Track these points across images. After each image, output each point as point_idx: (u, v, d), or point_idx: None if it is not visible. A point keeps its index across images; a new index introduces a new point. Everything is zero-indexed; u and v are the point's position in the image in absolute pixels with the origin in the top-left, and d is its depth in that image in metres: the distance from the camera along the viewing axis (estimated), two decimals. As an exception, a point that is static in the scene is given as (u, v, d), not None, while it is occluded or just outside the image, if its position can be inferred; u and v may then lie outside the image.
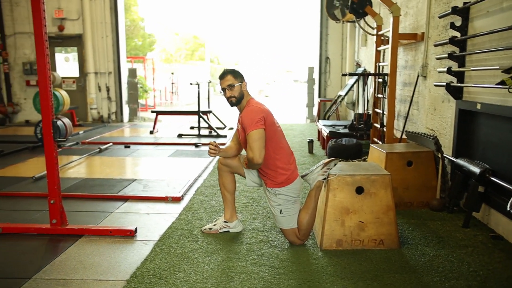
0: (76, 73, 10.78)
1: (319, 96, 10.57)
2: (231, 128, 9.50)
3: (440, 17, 4.19)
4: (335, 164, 3.15)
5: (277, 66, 41.36)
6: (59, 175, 3.39)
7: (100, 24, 10.36)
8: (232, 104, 3.18)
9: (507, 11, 3.18)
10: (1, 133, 9.14)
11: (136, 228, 3.41)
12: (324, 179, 3.11)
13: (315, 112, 10.65)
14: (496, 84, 3.01)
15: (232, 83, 3.13)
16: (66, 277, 2.68)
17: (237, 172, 3.34)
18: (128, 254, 3.02)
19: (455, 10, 3.82)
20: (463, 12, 3.78)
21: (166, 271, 2.74)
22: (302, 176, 3.18)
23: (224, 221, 3.40)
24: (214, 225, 3.42)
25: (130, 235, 3.35)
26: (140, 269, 2.78)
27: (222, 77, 3.18)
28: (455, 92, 3.91)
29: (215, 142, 3.19)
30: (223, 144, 3.43)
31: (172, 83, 16.28)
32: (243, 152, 3.25)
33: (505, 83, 2.75)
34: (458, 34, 3.88)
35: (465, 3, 3.76)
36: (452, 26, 3.87)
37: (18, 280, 2.63)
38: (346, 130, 6.50)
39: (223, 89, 3.17)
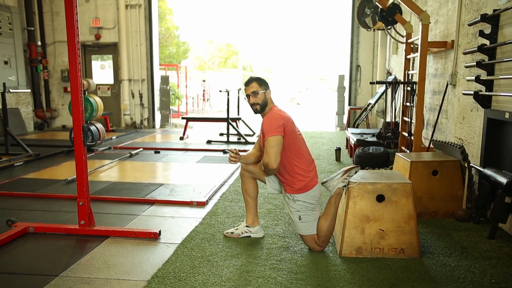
0: (111, 80, 11.16)
1: (349, 104, 10.51)
2: (260, 135, 9.55)
3: (469, 25, 4.12)
4: (355, 172, 3.15)
5: (311, 74, 41.23)
6: (88, 178, 3.52)
7: (135, 33, 10.70)
8: (255, 111, 3.24)
9: (536, 18, 3.10)
10: (39, 137, 9.55)
11: (160, 231, 3.51)
12: (345, 186, 3.11)
13: (345, 120, 10.58)
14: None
15: (257, 90, 3.18)
16: (91, 276, 2.79)
17: (258, 178, 3.39)
18: (151, 256, 3.11)
19: (484, 18, 3.75)
20: (493, 20, 3.71)
21: (186, 273, 2.81)
22: (323, 183, 3.19)
23: (246, 226, 3.45)
24: (236, 229, 3.47)
25: (154, 237, 3.45)
26: (161, 270, 2.86)
27: (247, 84, 3.25)
28: (483, 101, 3.83)
29: (235, 149, 3.25)
30: (246, 151, 3.49)
31: (204, 90, 16.52)
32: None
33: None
34: (487, 42, 3.80)
35: (494, 10, 3.69)
36: (481, 33, 3.80)
37: (46, 277, 2.76)
38: (374, 139, 6.44)
39: (247, 96, 3.23)
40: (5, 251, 3.21)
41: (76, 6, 3.32)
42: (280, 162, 3.08)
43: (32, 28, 10.40)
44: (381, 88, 8.12)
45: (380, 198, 3.06)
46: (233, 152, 3.20)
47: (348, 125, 10.10)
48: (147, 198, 4.54)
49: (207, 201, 4.44)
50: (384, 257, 3.04)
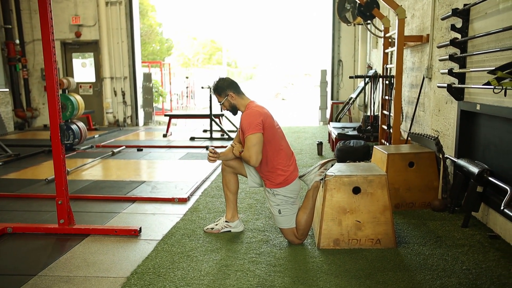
0: (92, 78, 11.06)
1: (332, 99, 10.59)
2: (243, 131, 9.58)
3: (442, 19, 4.20)
4: (332, 165, 3.21)
5: (295, 70, 41.36)
6: (66, 177, 3.52)
7: (116, 30, 10.61)
8: (233, 114, 3.34)
9: (503, 12, 3.19)
10: (19, 137, 9.43)
11: (140, 228, 3.52)
12: (321, 179, 3.17)
13: (328, 115, 10.67)
14: (483, 85, 3.03)
15: (219, 100, 3.28)
16: (70, 274, 2.80)
17: (239, 173, 3.42)
18: (131, 253, 3.13)
19: (455, 12, 3.83)
20: (464, 14, 3.79)
21: (166, 269, 2.83)
22: (300, 177, 3.24)
23: (226, 221, 3.48)
24: (216, 225, 3.50)
25: (134, 234, 3.47)
26: (140, 266, 2.88)
27: (214, 95, 3.32)
28: (456, 93, 3.91)
29: (213, 148, 3.28)
30: (224, 147, 3.52)
31: (187, 87, 16.47)
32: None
33: (490, 83, 2.77)
34: (459, 36, 3.89)
35: (465, 5, 3.78)
36: (453, 27, 3.88)
37: (24, 277, 2.76)
38: (355, 132, 6.52)
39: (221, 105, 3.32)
40: (-17, 252, 3.20)
41: (49, 4, 3.30)
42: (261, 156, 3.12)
43: (10, 26, 10.24)
44: (362, 82, 8.22)
45: (356, 190, 3.12)
46: (211, 152, 3.23)
47: (331, 120, 10.19)
48: (128, 196, 4.54)
49: (188, 197, 4.46)
50: (361, 248, 3.11)
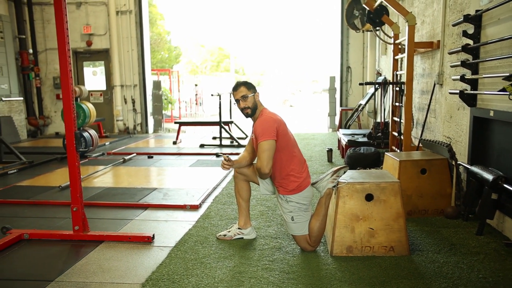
0: (103, 87, 11.17)
1: (341, 105, 10.59)
2: (253, 138, 9.60)
3: (453, 25, 4.20)
4: (344, 172, 3.21)
5: (303, 76, 41.38)
6: (81, 184, 3.56)
7: (126, 39, 10.73)
8: (247, 115, 3.29)
9: (516, 18, 3.19)
10: (32, 145, 9.54)
11: (153, 235, 3.55)
12: (334, 186, 3.17)
13: (337, 121, 10.66)
14: (498, 91, 3.02)
15: (246, 94, 3.23)
16: (86, 280, 2.83)
17: (252, 180, 3.44)
18: (145, 259, 3.15)
19: (467, 18, 3.83)
20: (475, 20, 3.79)
21: (180, 275, 2.85)
22: (312, 184, 3.24)
23: (238, 228, 3.50)
24: (229, 231, 3.52)
25: (148, 241, 3.49)
26: (155, 273, 2.90)
27: (235, 89, 3.29)
28: (468, 99, 3.91)
29: (228, 156, 3.29)
30: (238, 154, 3.54)
31: (196, 95, 16.57)
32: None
33: (506, 90, 2.76)
34: (471, 42, 3.89)
35: (477, 10, 3.78)
36: (465, 34, 3.89)
37: (41, 283, 2.80)
38: (365, 139, 6.51)
39: (237, 101, 3.28)
40: (0, 257, 3.24)
41: (66, 14, 3.36)
42: (273, 165, 3.14)
43: (24, 36, 10.41)
44: (371, 89, 8.21)
45: (369, 197, 3.12)
46: (225, 160, 3.24)
47: (340, 126, 10.18)
48: (140, 203, 4.57)
49: (200, 204, 4.48)
50: (374, 255, 3.10)
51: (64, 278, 2.86)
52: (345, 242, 3.12)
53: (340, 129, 7.81)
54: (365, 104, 8.16)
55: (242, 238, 3.49)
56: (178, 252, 3.25)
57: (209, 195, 4.87)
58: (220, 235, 3.52)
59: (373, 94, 7.95)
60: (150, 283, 2.76)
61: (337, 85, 10.63)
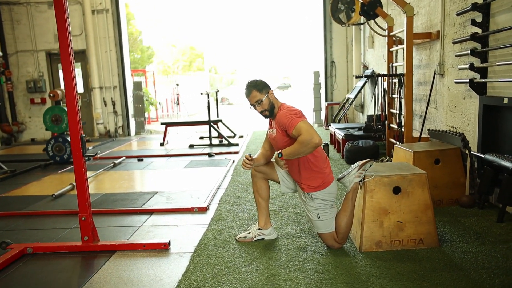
0: (81, 89, 10.77)
1: (326, 100, 10.57)
2: (241, 136, 9.47)
3: (458, 14, 4.19)
4: (370, 165, 3.13)
5: (274, 74, 41.46)
6: (89, 191, 3.34)
7: (104, 39, 10.37)
8: (266, 117, 3.15)
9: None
10: (7, 152, 9.10)
11: (169, 241, 3.38)
12: (361, 181, 3.08)
13: (322, 116, 10.65)
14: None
15: (259, 98, 3.07)
16: (110, 294, 2.64)
17: (271, 178, 3.31)
18: (167, 267, 2.98)
19: (475, 7, 3.82)
20: (484, 8, 3.78)
21: (210, 282, 2.70)
22: (339, 179, 3.15)
23: (259, 229, 3.37)
24: (249, 233, 3.38)
25: (164, 248, 3.31)
26: (182, 282, 2.74)
27: (247, 94, 3.12)
28: (478, 88, 3.90)
29: (250, 155, 3.13)
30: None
31: (177, 94, 16.30)
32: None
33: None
34: (479, 30, 3.88)
35: (484, -1, 3.77)
36: (473, 22, 3.87)
37: (61, 299, 2.59)
38: (361, 132, 6.49)
39: (253, 105, 3.13)
40: (5, 276, 2.99)
41: (67, 10, 3.14)
42: (295, 161, 3.02)
43: (-8, 38, 9.92)
44: (359, 82, 8.21)
45: (396, 190, 3.05)
46: (248, 159, 3.08)
47: (327, 121, 10.16)
48: (144, 208, 4.37)
49: (208, 206, 4.32)
50: (404, 249, 3.04)
51: (85, 293, 2.67)
52: (374, 237, 3.04)
53: (332, 124, 7.76)
54: (354, 98, 8.15)
55: (263, 239, 3.36)
56: (200, 258, 3.09)
57: (213, 196, 4.71)
58: (240, 237, 3.38)
59: (362, 87, 7.96)
60: (181, 292, 2.60)
61: (322, 80, 10.60)
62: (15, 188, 5.58)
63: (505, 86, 3.59)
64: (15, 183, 5.87)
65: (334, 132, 7.06)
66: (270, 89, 3.14)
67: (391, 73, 5.90)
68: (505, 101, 3.53)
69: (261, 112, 3.12)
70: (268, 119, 3.23)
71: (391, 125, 5.89)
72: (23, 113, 10.86)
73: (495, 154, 3.62)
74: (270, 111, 3.10)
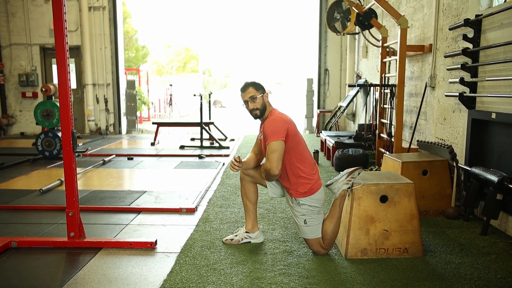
0: (73, 85, 10.71)
1: (319, 108, 10.63)
2: (232, 140, 9.49)
3: (450, 29, 4.27)
4: (358, 173, 3.17)
5: (269, 78, 41.54)
6: (77, 187, 3.33)
7: (99, 36, 10.35)
8: (256, 117, 3.18)
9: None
10: (-3, 145, 9.01)
11: (156, 240, 3.38)
12: (349, 188, 3.12)
13: (313, 123, 10.70)
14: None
15: (254, 95, 3.12)
16: (94, 290, 2.64)
17: (259, 182, 3.34)
18: (152, 267, 2.98)
19: (467, 22, 3.89)
20: (475, 24, 3.86)
21: (195, 283, 2.71)
22: (327, 185, 3.18)
23: (246, 232, 3.38)
24: (236, 235, 3.39)
25: (150, 247, 3.31)
26: (167, 281, 2.74)
27: (243, 89, 3.17)
28: (468, 102, 3.96)
29: (239, 157, 3.17)
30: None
31: (170, 95, 16.27)
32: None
33: None
34: (470, 46, 3.95)
35: (477, 15, 3.84)
36: (465, 37, 3.94)
37: (45, 294, 2.58)
38: (351, 141, 6.54)
39: (245, 102, 3.16)
40: (-11, 269, 2.98)
41: (64, 5, 3.15)
42: (283, 166, 3.05)
43: (-14, 30, 9.84)
44: (351, 91, 8.28)
45: (383, 199, 3.09)
46: (236, 161, 3.11)
47: (318, 128, 10.22)
48: (133, 207, 4.36)
49: (196, 207, 4.33)
50: (389, 257, 3.07)
51: (69, 289, 2.66)
52: (360, 244, 3.07)
53: (323, 131, 7.81)
54: (346, 106, 8.22)
55: (250, 242, 3.38)
56: (186, 258, 3.10)
57: (202, 197, 4.72)
58: (227, 239, 3.40)
59: (354, 96, 8.03)
60: (165, 292, 2.60)
61: (315, 87, 10.66)
62: (2, 182, 5.54)
63: (493, 101, 3.66)
64: (2, 177, 5.82)
65: (325, 140, 7.11)
66: (266, 92, 3.19)
67: (383, 83, 5.96)
68: (493, 116, 3.60)
69: (252, 111, 3.14)
70: (259, 124, 3.26)
71: (381, 134, 5.95)
72: (13, 107, 10.78)
73: (481, 168, 3.68)
74: (261, 112, 3.14)
